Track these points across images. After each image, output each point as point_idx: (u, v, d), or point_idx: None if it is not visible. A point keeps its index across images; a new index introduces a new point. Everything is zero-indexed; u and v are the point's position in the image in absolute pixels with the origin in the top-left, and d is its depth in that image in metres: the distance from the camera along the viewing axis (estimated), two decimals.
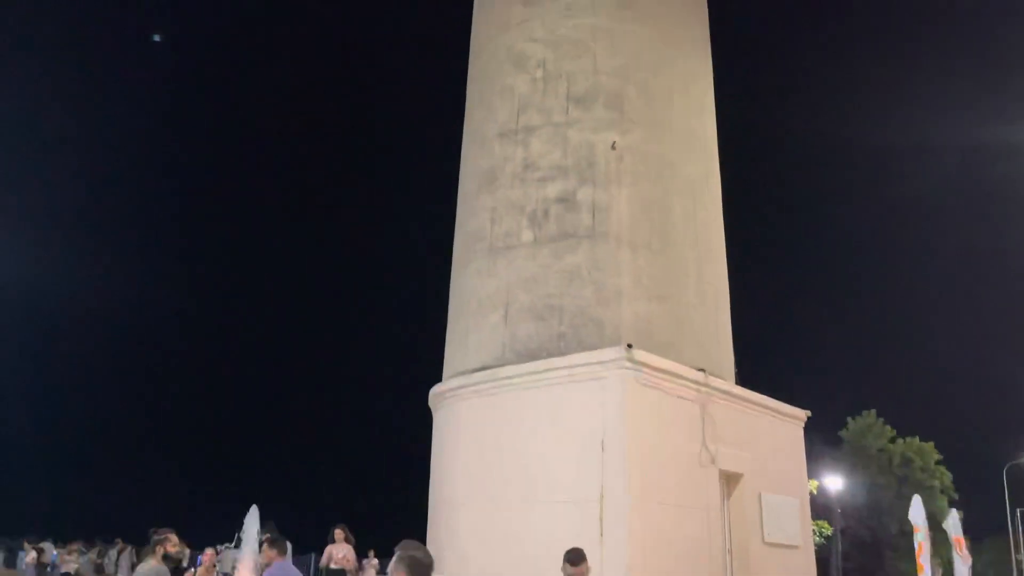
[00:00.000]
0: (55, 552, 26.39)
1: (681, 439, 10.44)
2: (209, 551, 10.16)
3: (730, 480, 11.39)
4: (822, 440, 40.15)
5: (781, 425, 12.65)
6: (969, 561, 25.46)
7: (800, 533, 12.35)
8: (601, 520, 9.40)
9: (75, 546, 24.59)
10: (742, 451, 11.49)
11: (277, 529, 17.32)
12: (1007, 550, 44.59)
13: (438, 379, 12.80)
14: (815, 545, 23.36)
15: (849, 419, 45.46)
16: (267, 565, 7.21)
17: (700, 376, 10.92)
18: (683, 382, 10.62)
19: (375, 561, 21.30)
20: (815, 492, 22.10)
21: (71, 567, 22.94)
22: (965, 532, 32.53)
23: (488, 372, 11.37)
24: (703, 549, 10.32)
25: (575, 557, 7.82)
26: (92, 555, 24.81)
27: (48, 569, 24.84)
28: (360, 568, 19.64)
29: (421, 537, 12.50)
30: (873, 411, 44.67)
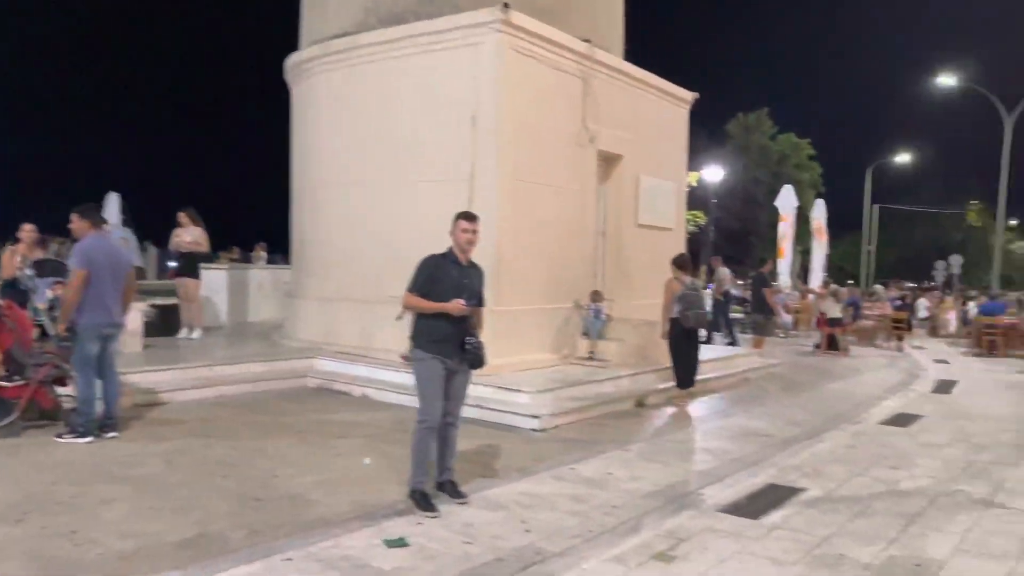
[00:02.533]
0: None
1: (560, 116, 9.73)
2: (28, 226, 9.11)
3: (609, 162, 11.00)
4: (707, 134, 41.00)
5: (667, 107, 12.10)
6: (827, 249, 27.79)
7: (674, 216, 12.42)
8: (471, 201, 8.87)
9: None
10: (624, 132, 10.97)
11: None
12: (860, 243, 49.08)
13: (295, 48, 11.32)
14: (687, 233, 24.69)
15: (740, 114, 46.29)
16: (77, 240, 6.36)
17: (584, 48, 9.94)
18: (565, 53, 9.64)
19: (263, 254, 20.78)
20: (695, 184, 22.59)
21: None
22: (828, 224, 35.01)
23: (349, 39, 10.00)
24: (576, 231, 10.14)
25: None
26: None
27: None
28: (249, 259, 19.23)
29: (284, 223, 11.85)
30: (765, 109, 45.53)
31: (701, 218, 23.54)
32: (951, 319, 23.39)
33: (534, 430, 7.35)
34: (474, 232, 5.15)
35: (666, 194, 12.07)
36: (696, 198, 26.42)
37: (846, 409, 9.33)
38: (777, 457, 6.71)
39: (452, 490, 5.10)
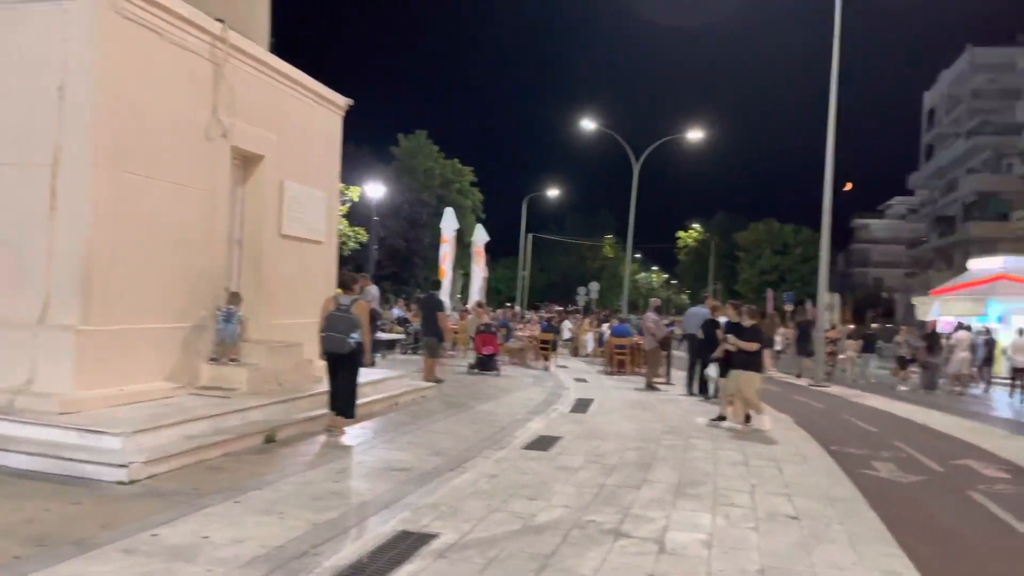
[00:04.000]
0: None
1: (183, 102, 8.25)
2: None
3: (248, 162, 9.72)
4: (374, 154, 40.87)
5: (318, 110, 11.14)
6: (485, 272, 28.93)
7: (326, 229, 11.45)
8: (54, 191, 7.04)
9: None
10: (267, 131, 9.78)
11: None
12: (516, 267, 52.65)
13: None
14: (350, 251, 23.99)
15: (401, 136, 46.93)
16: None
17: (217, 28, 8.60)
18: (190, 29, 8.21)
19: None
20: (357, 199, 21.91)
21: None
22: (487, 249, 36.48)
23: None
24: (204, 237, 8.69)
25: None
26: None
27: None
28: None
29: None
30: (425, 131, 46.67)
31: (363, 235, 22.88)
32: (589, 340, 25.54)
33: (120, 483, 5.81)
34: None
35: (316, 204, 11.07)
36: (360, 215, 25.81)
37: (492, 432, 9.10)
38: (413, 496, 6.03)
39: None
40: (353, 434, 8.45)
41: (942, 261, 51.69)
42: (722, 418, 10.70)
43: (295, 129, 10.45)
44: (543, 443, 8.60)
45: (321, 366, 9.49)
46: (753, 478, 7.37)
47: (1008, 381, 20.01)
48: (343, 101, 11.66)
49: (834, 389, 18.25)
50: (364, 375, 11.52)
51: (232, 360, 8.80)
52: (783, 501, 6.48)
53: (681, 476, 7.28)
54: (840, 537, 5.49)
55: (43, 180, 7.02)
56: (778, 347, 23.62)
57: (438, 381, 13.12)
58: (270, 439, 7.68)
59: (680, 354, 17.97)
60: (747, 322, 10.47)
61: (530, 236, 55.86)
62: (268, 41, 10.60)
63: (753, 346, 10.17)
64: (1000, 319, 26.08)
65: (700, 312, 14.37)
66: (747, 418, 10.44)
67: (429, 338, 13.74)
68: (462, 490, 6.27)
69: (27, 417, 6.43)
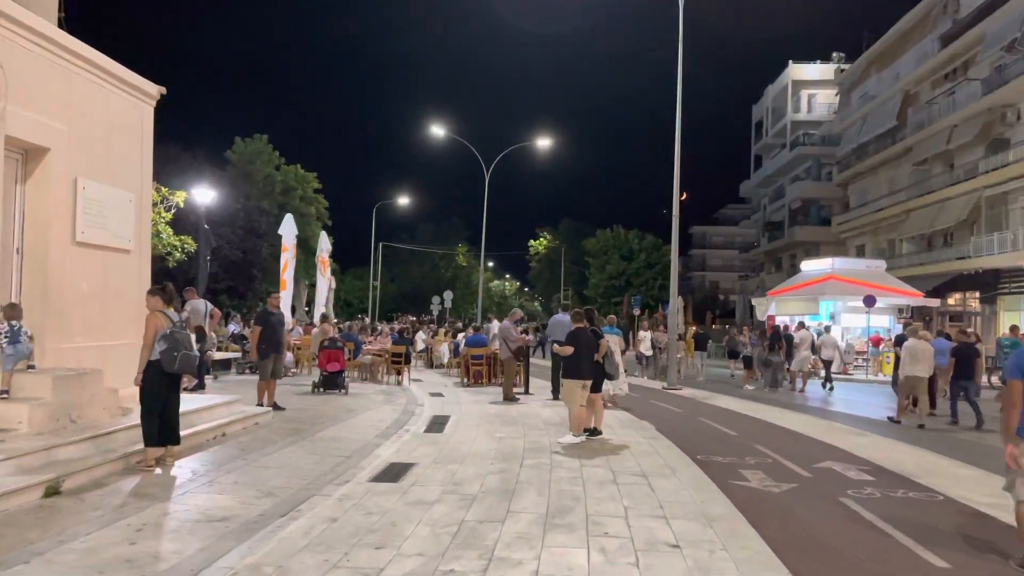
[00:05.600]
0: None
1: None
2: None
3: (29, 155, 8.11)
4: (208, 158, 38.05)
5: (122, 98, 9.59)
6: (331, 283, 27.35)
7: (135, 235, 9.89)
8: None
9: None
10: (53, 120, 8.21)
11: None
12: (367, 277, 50.99)
13: None
14: (176, 262, 21.78)
15: (238, 139, 44.12)
16: None
17: None
18: None
19: None
20: (183, 204, 19.87)
21: None
22: (334, 257, 34.70)
23: None
24: None
25: None
26: None
27: None
28: None
29: None
30: (265, 136, 44.08)
31: (191, 244, 20.84)
32: (444, 351, 24.66)
33: None
34: None
35: (122, 207, 9.52)
36: (188, 223, 23.60)
37: (335, 464, 8.01)
38: (232, 555, 4.89)
39: None
40: (169, 474, 7.13)
41: (772, 264, 55.07)
42: (595, 432, 10.14)
43: (91, 118, 8.91)
44: (394, 472, 7.61)
45: (129, 395, 8.08)
46: (626, 499, 6.76)
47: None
48: (153, 89, 10.15)
49: (685, 391, 18.38)
50: (189, 402, 10.17)
51: (2, 394, 7.24)
52: (661, 525, 5.88)
53: (549, 502, 6.53)
54: (727, 567, 4.91)
55: None
56: (647, 352, 23.55)
57: (276, 407, 11.75)
58: (52, 491, 6.23)
59: (538, 362, 17.47)
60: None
61: (380, 245, 54.39)
62: (57, 14, 9.00)
63: (567, 350, 9.82)
64: (831, 317, 27.65)
65: (564, 319, 13.92)
66: (593, 430, 10.02)
67: (277, 357, 12.18)
68: (293, 542, 5.20)
69: None
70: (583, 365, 9.79)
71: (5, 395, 7.26)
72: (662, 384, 19.82)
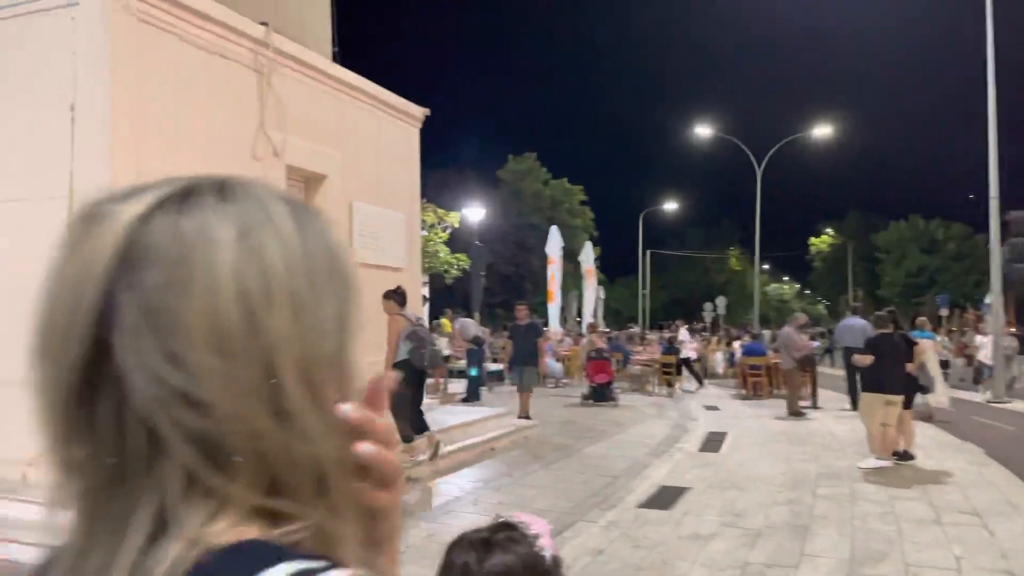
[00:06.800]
0: None
1: (221, 118, 7.25)
2: None
3: (309, 183, 8.67)
4: (480, 178, 40.18)
5: (390, 123, 10.01)
6: (599, 293, 27.30)
7: (406, 254, 10.27)
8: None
9: None
10: (328, 147, 8.71)
11: None
12: (635, 286, 50.61)
13: None
14: (452, 279, 22.96)
15: (510, 157, 46.05)
16: None
17: (260, 32, 7.59)
18: (226, 34, 7.22)
19: None
20: (457, 224, 20.89)
21: None
22: (602, 269, 34.72)
23: None
24: None
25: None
26: None
27: None
28: None
29: None
30: (534, 154, 45.61)
31: (465, 261, 21.81)
32: (719, 360, 23.35)
33: None
34: None
35: (394, 227, 9.92)
36: (462, 241, 24.86)
37: (601, 486, 7.49)
38: None
39: None
40: (432, 491, 7.09)
41: None
42: (906, 455, 8.60)
43: (364, 144, 9.36)
44: (664, 498, 6.91)
45: None
46: (955, 544, 5.43)
47: None
48: (419, 112, 10.51)
49: (1018, 404, 15.36)
50: (459, 415, 10.31)
51: None
52: None
53: (854, 545, 5.43)
54: None
55: (59, 217, 6.12)
56: (988, 360, 17.48)
57: (527, 417, 11.46)
58: None
59: (825, 370, 15.64)
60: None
61: (648, 252, 53.73)
62: (331, 49, 9.62)
63: (866, 359, 8.40)
64: None
65: (857, 323, 12.27)
66: (904, 453, 8.44)
67: (523, 368, 11.90)
68: None
69: None
70: (886, 376, 8.31)
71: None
72: (983, 396, 16.80)
